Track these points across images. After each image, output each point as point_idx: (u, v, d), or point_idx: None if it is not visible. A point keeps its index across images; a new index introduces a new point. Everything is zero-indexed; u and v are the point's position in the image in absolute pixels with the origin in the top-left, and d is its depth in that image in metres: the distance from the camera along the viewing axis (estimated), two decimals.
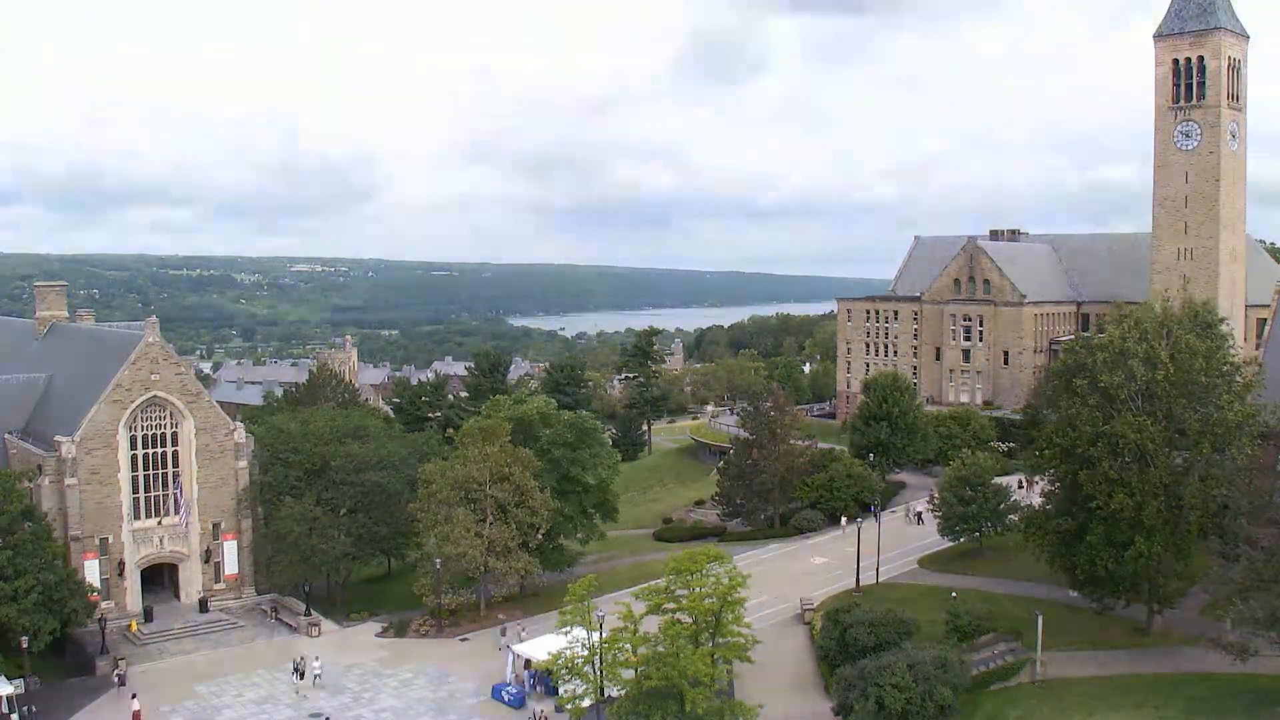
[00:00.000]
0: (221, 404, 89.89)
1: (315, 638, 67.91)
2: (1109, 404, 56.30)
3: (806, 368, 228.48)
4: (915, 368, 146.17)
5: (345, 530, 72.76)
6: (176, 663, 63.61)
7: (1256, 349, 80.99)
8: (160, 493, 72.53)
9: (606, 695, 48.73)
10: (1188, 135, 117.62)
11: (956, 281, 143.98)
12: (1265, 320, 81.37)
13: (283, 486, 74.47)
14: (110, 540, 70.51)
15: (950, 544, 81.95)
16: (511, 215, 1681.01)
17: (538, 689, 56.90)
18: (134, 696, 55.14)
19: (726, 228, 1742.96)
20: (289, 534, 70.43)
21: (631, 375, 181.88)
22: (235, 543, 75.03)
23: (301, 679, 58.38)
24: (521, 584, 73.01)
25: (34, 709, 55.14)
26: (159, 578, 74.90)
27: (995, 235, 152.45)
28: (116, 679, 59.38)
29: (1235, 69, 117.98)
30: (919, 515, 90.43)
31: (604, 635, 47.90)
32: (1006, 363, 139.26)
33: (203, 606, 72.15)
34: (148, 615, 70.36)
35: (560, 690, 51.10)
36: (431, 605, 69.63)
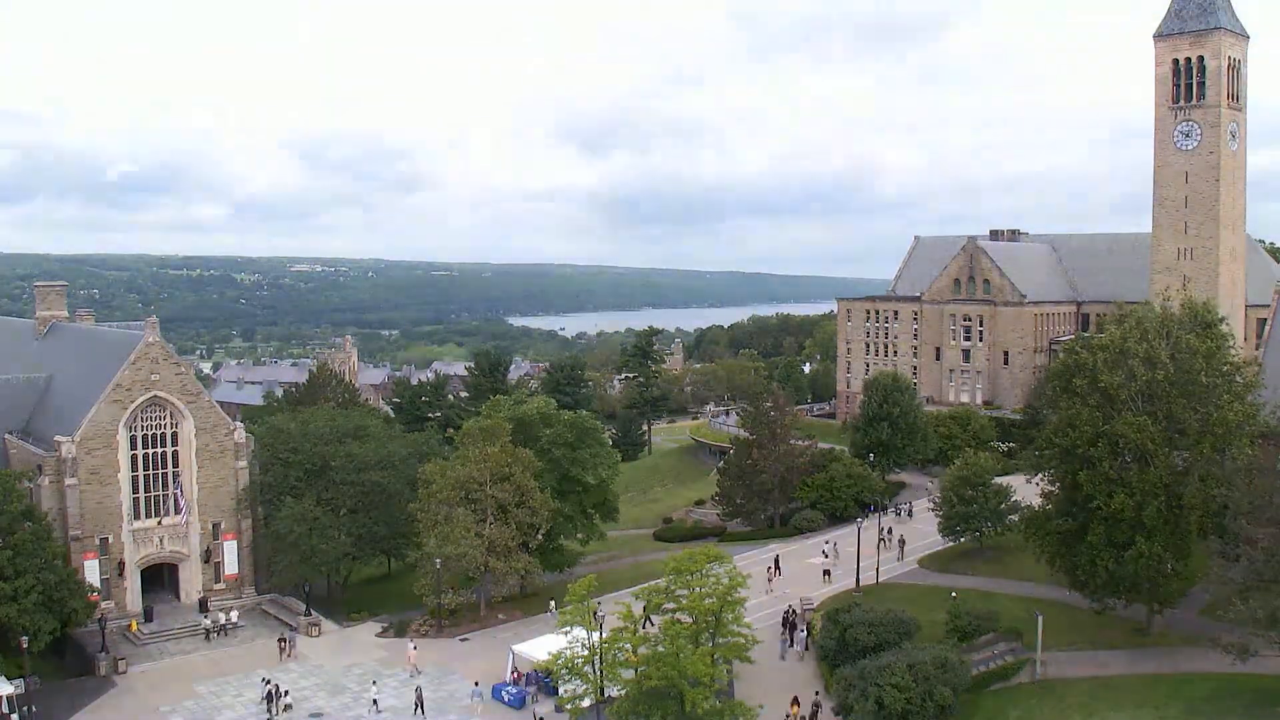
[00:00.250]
0: (221, 404, 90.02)
1: (315, 638, 67.93)
2: (1109, 404, 56.26)
3: (806, 368, 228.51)
4: (915, 368, 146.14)
5: (345, 530, 72.75)
6: (176, 663, 63.58)
7: (1256, 349, 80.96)
8: (160, 493, 72.56)
9: (606, 695, 48.73)
10: (1188, 135, 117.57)
11: (956, 281, 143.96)
12: (1265, 320, 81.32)
13: (283, 486, 74.46)
14: (110, 540, 70.54)
15: (950, 544, 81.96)
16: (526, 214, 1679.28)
17: (531, 689, 56.92)
18: None
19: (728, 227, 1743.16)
20: (289, 534, 70.44)
21: (631, 375, 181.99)
22: (235, 543, 75.04)
23: (271, 705, 55.80)
24: (521, 584, 72.98)
25: (34, 709, 55.16)
26: (159, 578, 74.89)
27: (995, 235, 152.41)
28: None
29: (1235, 69, 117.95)
30: (890, 532, 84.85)
31: (604, 635, 47.89)
32: (1006, 363, 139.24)
33: (203, 606, 72.13)
34: (148, 615, 70.38)
35: (560, 690, 51.11)
36: (431, 605, 69.61)
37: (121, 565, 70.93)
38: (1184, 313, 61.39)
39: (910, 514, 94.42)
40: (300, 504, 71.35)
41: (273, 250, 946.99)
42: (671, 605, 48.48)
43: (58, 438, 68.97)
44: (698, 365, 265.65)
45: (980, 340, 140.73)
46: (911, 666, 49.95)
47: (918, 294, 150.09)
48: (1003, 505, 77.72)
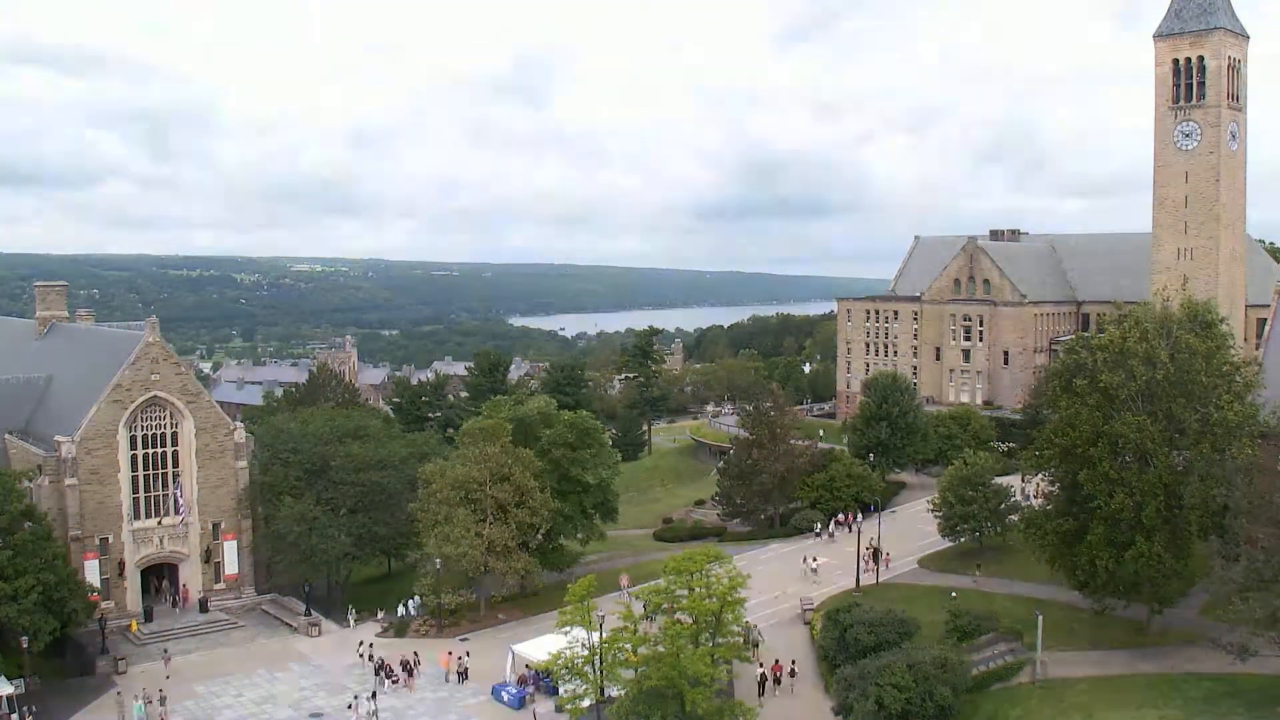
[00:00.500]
0: (221, 404, 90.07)
1: (315, 637, 67.96)
2: (1109, 404, 56.23)
3: (806, 368, 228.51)
4: (915, 368, 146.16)
5: (345, 530, 72.72)
6: (176, 663, 63.55)
7: (1256, 349, 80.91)
8: (160, 493, 72.61)
9: (606, 695, 48.72)
10: (1188, 135, 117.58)
11: (956, 281, 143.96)
12: (1265, 320, 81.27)
13: (283, 486, 74.45)
14: (110, 540, 70.56)
15: (950, 544, 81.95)
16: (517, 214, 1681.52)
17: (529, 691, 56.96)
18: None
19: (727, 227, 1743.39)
20: (289, 534, 70.45)
21: (631, 375, 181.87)
22: (235, 543, 75.08)
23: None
24: (521, 584, 72.98)
25: (34, 709, 55.16)
26: (159, 578, 74.87)
27: (995, 235, 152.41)
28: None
29: (1235, 69, 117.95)
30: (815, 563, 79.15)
31: (604, 635, 47.88)
32: (1006, 363, 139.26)
33: (203, 606, 72.16)
34: (148, 615, 70.41)
35: (560, 690, 51.11)
36: (431, 605, 69.61)
37: (121, 565, 70.94)
38: (1184, 313, 61.31)
39: (832, 533, 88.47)
40: (300, 504, 71.36)
41: (273, 250, 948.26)
42: (671, 605, 48.48)
43: (58, 438, 68.98)
44: (698, 365, 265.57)
45: (980, 340, 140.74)
46: (911, 666, 49.97)
47: (918, 294, 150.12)
48: (1002, 505, 77.75)
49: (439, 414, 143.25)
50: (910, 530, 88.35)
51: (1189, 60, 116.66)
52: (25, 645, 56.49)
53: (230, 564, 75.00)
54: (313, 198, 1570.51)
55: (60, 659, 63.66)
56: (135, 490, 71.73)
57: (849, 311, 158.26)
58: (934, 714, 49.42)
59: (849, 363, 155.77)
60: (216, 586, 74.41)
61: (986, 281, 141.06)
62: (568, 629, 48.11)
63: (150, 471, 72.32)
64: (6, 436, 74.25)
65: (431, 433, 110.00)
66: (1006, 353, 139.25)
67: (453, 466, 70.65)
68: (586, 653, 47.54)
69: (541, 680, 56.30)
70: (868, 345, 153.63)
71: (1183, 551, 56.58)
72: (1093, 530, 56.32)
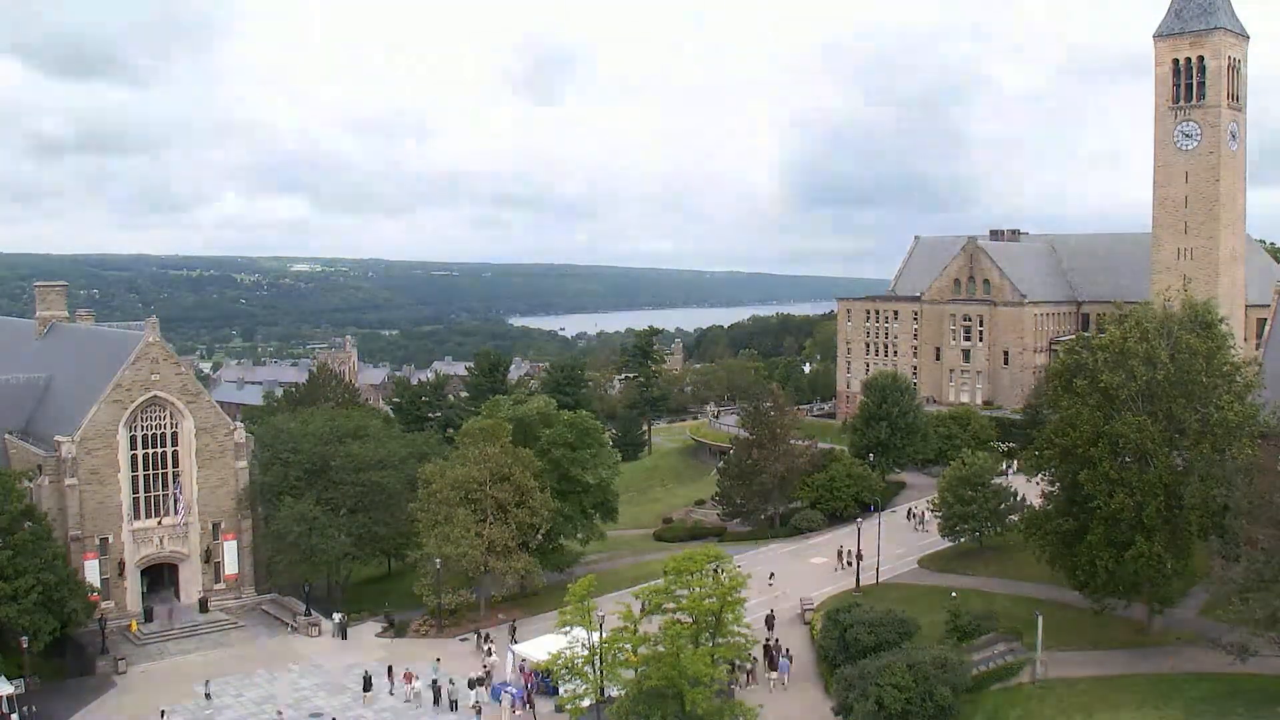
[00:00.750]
0: (221, 404, 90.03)
1: (315, 638, 67.94)
2: (1109, 404, 56.23)
3: (806, 368, 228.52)
4: (915, 368, 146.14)
5: (345, 530, 72.69)
6: (176, 663, 63.60)
7: (1256, 349, 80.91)
8: (160, 493, 72.57)
9: (606, 695, 48.72)
10: (1188, 135, 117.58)
11: (956, 281, 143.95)
12: (1265, 320, 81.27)
13: (283, 486, 74.44)
14: (110, 540, 70.55)
15: (950, 544, 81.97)
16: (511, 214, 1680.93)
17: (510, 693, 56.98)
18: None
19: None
20: (289, 534, 70.43)
21: (631, 375, 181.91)
22: (235, 543, 75.05)
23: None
24: (521, 584, 72.97)
25: (34, 709, 55.17)
26: (159, 578, 74.86)
27: (995, 235, 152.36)
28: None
29: (1235, 69, 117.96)
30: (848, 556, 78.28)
31: (604, 635, 47.88)
32: (1006, 363, 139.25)
33: (203, 606, 72.15)
34: (148, 615, 70.38)
35: (560, 690, 51.10)
36: (431, 605, 69.60)
37: (121, 565, 70.94)
38: (1184, 313, 61.31)
39: (923, 522, 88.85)
40: (300, 504, 71.34)
41: (273, 250, 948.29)
42: (672, 605, 48.48)
43: (58, 438, 68.98)
44: (698, 365, 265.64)
45: (980, 340, 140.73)
46: (911, 666, 49.95)
47: (918, 294, 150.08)
48: (1002, 505, 77.74)
49: (439, 414, 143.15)
50: (909, 530, 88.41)
51: (1189, 60, 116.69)
52: (25, 645, 56.53)
53: (230, 564, 74.98)
54: (313, 197, 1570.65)
55: (60, 659, 63.65)
56: (135, 490, 71.70)
57: (849, 311, 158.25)
58: (934, 714, 49.40)
59: (849, 363, 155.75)
60: (216, 586, 74.38)
61: (986, 281, 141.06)
62: (568, 629, 48.13)
63: (150, 471, 72.29)
64: (6, 436, 74.24)
65: (431, 433, 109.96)
66: (1006, 353, 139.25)
67: (453, 466, 70.65)
68: (586, 653, 47.55)
69: (541, 680, 56.31)
70: (868, 345, 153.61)
71: (1183, 552, 56.58)
72: (1093, 530, 56.33)
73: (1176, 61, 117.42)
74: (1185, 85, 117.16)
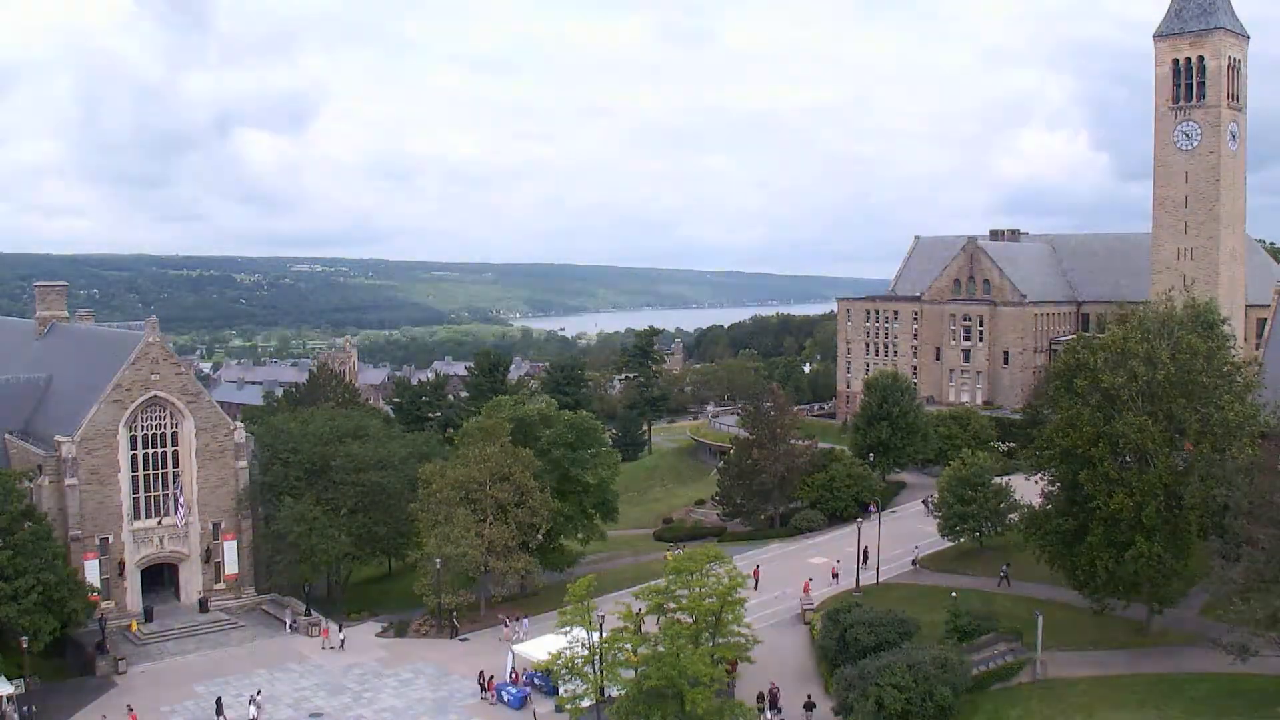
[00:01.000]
0: (221, 404, 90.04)
1: (315, 637, 67.90)
2: (1110, 404, 56.19)
3: (806, 368, 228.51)
4: (915, 368, 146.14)
5: (345, 530, 72.73)
6: (176, 663, 63.59)
7: (1256, 349, 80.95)
8: (160, 493, 72.55)
9: (606, 695, 48.72)
10: (1188, 135, 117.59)
11: (956, 281, 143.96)
12: (1265, 320, 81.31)
13: (283, 486, 74.47)
14: (110, 540, 70.52)
15: (950, 544, 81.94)
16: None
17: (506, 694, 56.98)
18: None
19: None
20: (289, 534, 70.46)
21: (631, 375, 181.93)
22: (235, 543, 75.02)
23: None
24: (521, 584, 73.00)
25: (34, 709, 55.16)
26: (159, 578, 74.88)
27: (995, 235, 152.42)
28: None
29: (1235, 69, 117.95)
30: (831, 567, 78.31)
31: (604, 635, 47.89)
32: (1006, 363, 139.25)
33: (203, 606, 72.14)
34: (148, 615, 70.37)
35: (560, 690, 51.10)
36: (431, 605, 69.61)
37: (121, 565, 70.92)
38: (1186, 313, 61.31)
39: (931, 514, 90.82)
40: (300, 504, 71.36)
41: (273, 250, 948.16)
42: (672, 605, 48.49)
43: (58, 438, 68.96)
44: (698, 365, 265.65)
45: (980, 340, 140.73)
46: (911, 666, 49.93)
47: (918, 294, 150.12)
48: (1002, 505, 77.71)
49: (439, 414, 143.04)
50: (908, 530, 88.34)
51: (1189, 60, 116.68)
52: (25, 645, 56.46)
53: (230, 564, 74.95)
54: (313, 196, 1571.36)
55: (60, 659, 63.65)
56: (135, 490, 71.66)
57: (849, 311, 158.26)
58: (934, 714, 49.39)
59: (849, 363, 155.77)
60: (216, 586, 74.36)
61: (986, 281, 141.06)
62: (568, 629, 48.14)
63: (150, 471, 72.27)
64: (6, 436, 74.22)
65: (431, 433, 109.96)
66: (1006, 353, 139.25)
67: (453, 466, 70.66)
68: (586, 653, 47.56)
69: (541, 680, 56.33)
70: (868, 345, 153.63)
71: (1183, 551, 56.57)
72: (1093, 530, 56.33)
73: (1176, 61, 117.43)
74: (1185, 85, 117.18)
